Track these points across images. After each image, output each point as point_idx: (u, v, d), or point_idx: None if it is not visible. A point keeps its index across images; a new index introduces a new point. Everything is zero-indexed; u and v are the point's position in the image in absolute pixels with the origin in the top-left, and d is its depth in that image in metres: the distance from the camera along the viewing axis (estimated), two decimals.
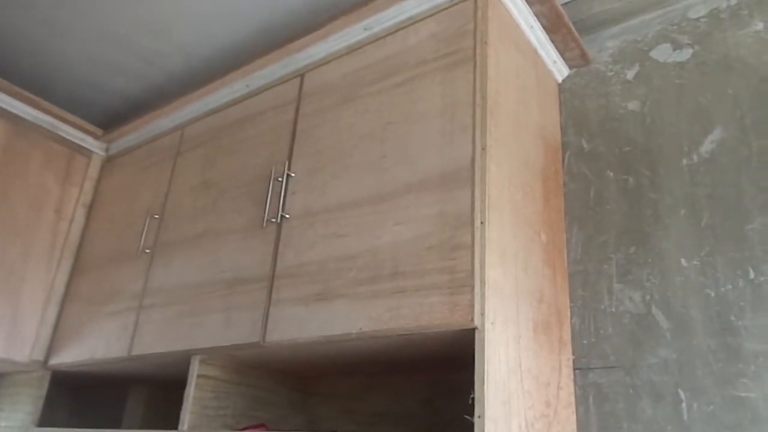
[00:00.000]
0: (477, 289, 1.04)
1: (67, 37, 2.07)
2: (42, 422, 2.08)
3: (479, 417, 0.97)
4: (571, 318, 1.39)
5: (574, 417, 1.30)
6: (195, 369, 1.48)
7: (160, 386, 2.17)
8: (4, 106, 2.05)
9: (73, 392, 2.38)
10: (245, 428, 1.51)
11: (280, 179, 1.50)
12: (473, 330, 1.03)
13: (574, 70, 1.66)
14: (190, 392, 1.45)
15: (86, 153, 2.26)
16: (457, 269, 1.07)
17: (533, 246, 1.28)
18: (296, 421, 1.69)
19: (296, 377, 1.73)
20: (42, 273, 2.04)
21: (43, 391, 1.95)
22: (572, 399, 1.31)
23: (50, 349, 1.98)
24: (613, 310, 1.35)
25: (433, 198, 1.18)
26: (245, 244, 1.51)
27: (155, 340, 1.61)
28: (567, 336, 1.36)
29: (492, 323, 1.05)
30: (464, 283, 1.05)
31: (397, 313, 1.12)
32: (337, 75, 1.53)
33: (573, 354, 1.36)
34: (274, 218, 1.46)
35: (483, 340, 1.02)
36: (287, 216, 1.44)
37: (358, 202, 1.31)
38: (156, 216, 1.85)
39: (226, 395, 1.53)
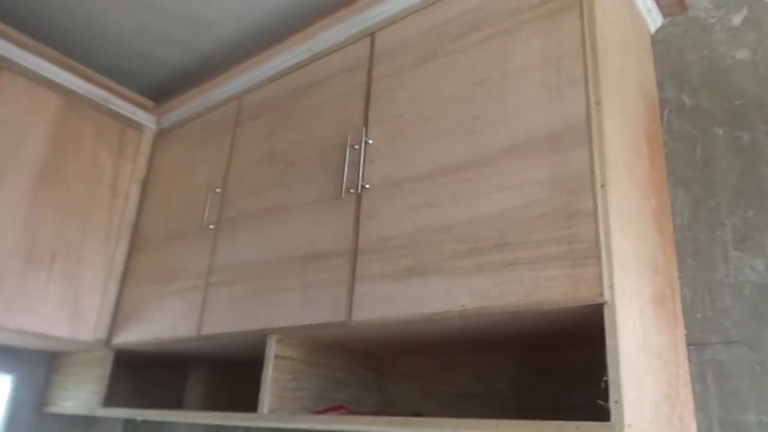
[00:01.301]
0: (604, 260, 0.93)
1: (115, 6, 1.98)
2: (107, 402, 2.05)
3: (616, 402, 0.87)
4: (681, 289, 1.28)
5: (691, 396, 1.19)
6: (272, 349, 1.40)
7: (222, 366, 2.12)
8: (57, 80, 1.98)
9: (133, 371, 2.36)
10: (325, 410, 1.44)
11: (356, 147, 1.40)
12: (601, 305, 0.93)
13: (668, 19, 1.51)
14: (269, 373, 1.38)
15: (138, 127, 2.19)
16: (578, 238, 0.96)
17: (645, 211, 1.16)
18: (372, 402, 1.61)
19: (370, 356, 1.65)
20: (100, 251, 1.98)
21: (107, 371, 1.91)
22: (688, 377, 1.20)
23: (113, 328, 1.94)
24: (732, 280, 1.23)
25: (542, 161, 1.06)
26: (320, 217, 1.42)
27: (226, 318, 1.54)
28: (679, 309, 1.24)
29: (621, 297, 0.94)
30: (588, 253, 0.94)
31: (507, 289, 1.02)
32: (414, 32, 1.41)
33: (685, 329, 1.25)
34: (353, 189, 1.36)
35: (614, 316, 0.91)
36: (367, 186, 1.34)
37: (450, 169, 1.20)
38: (218, 190, 1.77)
39: (304, 376, 1.46)
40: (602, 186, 0.99)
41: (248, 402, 1.95)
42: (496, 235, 1.07)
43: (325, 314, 1.30)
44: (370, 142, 1.38)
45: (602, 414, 0.90)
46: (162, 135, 2.19)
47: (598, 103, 1.04)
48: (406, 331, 1.28)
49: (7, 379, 2.11)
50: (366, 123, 1.42)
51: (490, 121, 1.17)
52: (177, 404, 2.21)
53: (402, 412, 1.55)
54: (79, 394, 1.99)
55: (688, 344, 1.24)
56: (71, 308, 1.87)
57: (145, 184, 2.14)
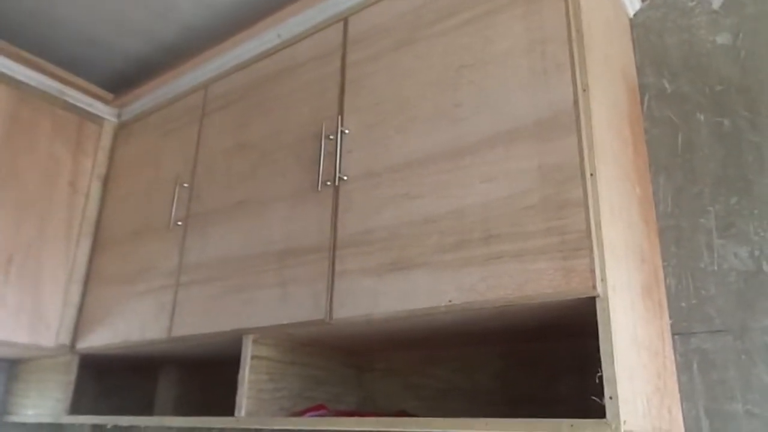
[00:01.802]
0: (595, 252, 0.90)
1: None
2: (73, 409, 1.96)
3: (611, 398, 0.84)
4: (665, 279, 1.26)
5: (677, 386, 1.17)
6: (248, 350, 1.34)
7: (193, 366, 2.05)
8: (7, 71, 1.86)
9: (99, 375, 2.26)
10: (304, 410, 1.39)
11: (332, 137, 1.34)
12: (593, 299, 0.90)
13: (647, 2, 1.49)
14: (245, 375, 1.32)
15: (97, 120, 2.08)
16: (568, 229, 0.93)
17: (632, 199, 1.14)
18: (352, 399, 1.57)
19: (350, 353, 1.60)
20: (61, 252, 1.88)
21: (72, 377, 1.82)
22: (674, 368, 1.19)
23: (77, 332, 1.85)
24: (716, 268, 1.22)
25: (529, 149, 1.02)
26: (296, 211, 1.36)
27: (198, 319, 1.47)
28: (664, 299, 1.22)
29: (613, 289, 0.91)
30: (579, 245, 0.91)
31: (495, 282, 0.98)
32: (389, 16, 1.36)
33: (670, 318, 1.23)
34: (329, 181, 1.31)
35: (607, 309, 0.88)
36: (345, 178, 1.28)
37: (432, 159, 1.15)
38: (185, 185, 1.69)
39: (281, 376, 1.40)
40: (592, 175, 0.95)
41: (222, 403, 1.88)
42: (482, 228, 1.03)
43: (303, 312, 1.25)
44: (347, 131, 1.33)
45: (592, 406, 0.88)
46: (123, 128, 2.09)
47: (585, 90, 1.01)
48: (389, 328, 1.23)
49: None
50: (341, 112, 1.36)
51: (472, 109, 1.13)
52: (147, 408, 2.13)
53: (384, 408, 1.51)
54: (43, 402, 1.89)
55: (673, 334, 1.22)
56: (31, 313, 1.77)
57: (107, 180, 2.04)
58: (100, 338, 1.74)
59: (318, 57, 1.48)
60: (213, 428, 1.88)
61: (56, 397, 1.84)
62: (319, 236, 1.28)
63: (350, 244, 1.22)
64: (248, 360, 1.34)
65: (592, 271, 0.89)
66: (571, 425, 0.85)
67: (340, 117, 1.35)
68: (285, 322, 1.27)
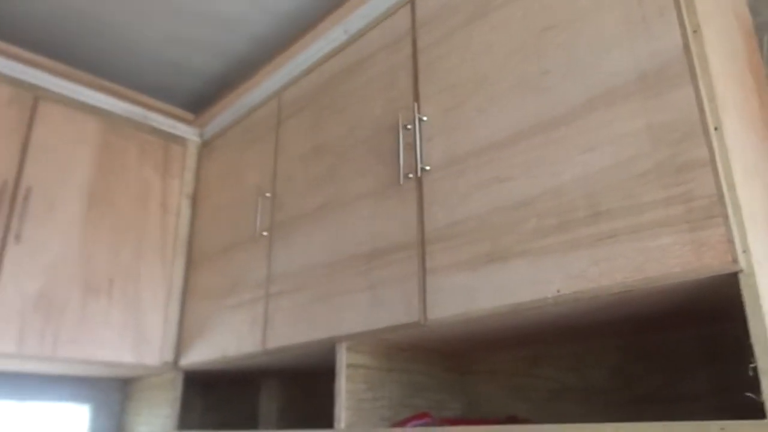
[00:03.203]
0: (732, 218, 0.75)
1: (140, 18, 1.91)
2: (181, 425, 1.99)
3: None
4: None
5: None
6: (343, 358, 1.28)
7: (294, 378, 2.03)
8: (94, 103, 1.93)
9: (205, 390, 2.30)
10: (407, 420, 1.31)
11: (409, 126, 1.26)
12: (735, 275, 0.75)
13: None
14: (342, 385, 1.26)
15: (180, 141, 2.13)
16: (694, 195, 0.79)
17: (764, 156, 0.97)
18: (456, 405, 1.47)
19: (450, 355, 1.50)
20: (158, 271, 1.93)
21: (178, 393, 1.85)
22: None
23: (179, 349, 1.88)
24: None
25: (634, 109, 0.89)
26: (380, 208, 1.28)
27: (291, 330, 1.43)
28: None
29: (758, 262, 0.76)
30: (711, 212, 0.77)
31: (610, 265, 0.85)
32: None
33: None
34: (411, 173, 1.22)
35: (755, 285, 0.73)
36: (427, 168, 1.19)
37: (521, 135, 1.04)
38: (268, 194, 1.67)
39: (380, 384, 1.33)
40: (716, 129, 0.81)
41: (325, 414, 1.85)
42: (587, 204, 0.91)
43: (396, 315, 1.17)
44: (425, 118, 1.24)
45: (736, 404, 0.73)
46: (206, 146, 2.12)
47: (696, 31, 0.86)
48: (490, 327, 1.12)
49: (85, 409, 2.09)
50: (417, 99, 1.27)
51: (562, 74, 1.00)
52: (251, 421, 2.13)
53: (490, 414, 1.40)
54: (153, 419, 1.94)
55: None
56: (135, 333, 1.82)
57: (195, 198, 2.07)
58: (200, 354, 1.75)
59: (387, 46, 1.41)
60: None
61: (164, 413, 1.87)
62: (405, 233, 1.20)
63: (439, 238, 1.13)
64: (344, 369, 1.28)
65: (730, 241, 0.74)
66: (722, 428, 0.71)
67: (416, 105, 1.26)
68: (377, 327, 1.20)
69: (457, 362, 1.52)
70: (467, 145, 1.13)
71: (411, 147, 1.24)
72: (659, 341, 1.17)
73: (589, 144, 0.93)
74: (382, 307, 1.20)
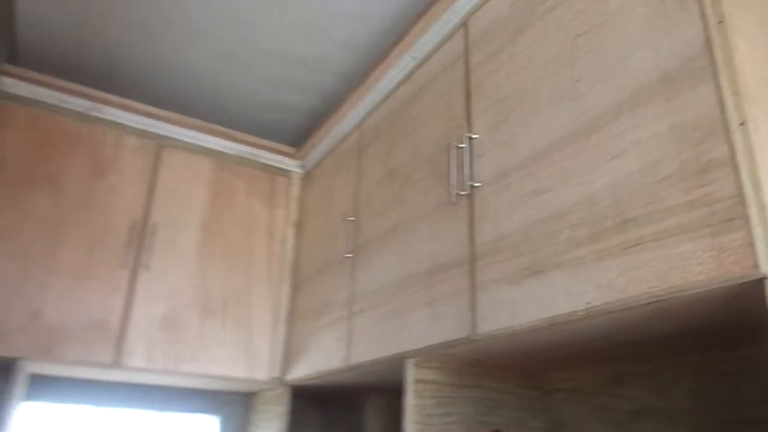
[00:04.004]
0: (755, 220, 0.69)
1: (242, 67, 2.14)
2: None
3: None
4: None
5: None
6: (411, 373, 1.32)
7: (397, 394, 2.09)
8: (208, 146, 2.18)
9: (317, 406, 2.44)
10: None
11: (461, 145, 1.28)
12: (761, 281, 0.69)
13: None
14: (410, 400, 1.30)
15: (285, 174, 2.32)
16: (715, 197, 0.74)
17: None
18: (537, 424, 1.43)
19: (528, 373, 1.47)
20: (266, 294, 2.10)
21: (286, 407, 1.99)
22: None
23: (285, 366, 2.03)
24: None
25: (657, 110, 0.85)
26: (437, 226, 1.32)
27: (368, 346, 1.50)
28: None
29: None
30: (731, 215, 0.71)
31: (636, 275, 0.82)
32: (504, 6, 1.27)
33: None
34: (462, 191, 1.25)
35: None
36: (477, 184, 1.21)
37: (557, 146, 1.02)
38: (351, 219, 1.77)
39: (449, 400, 1.34)
40: (741, 124, 0.75)
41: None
42: (615, 212, 0.87)
43: (450, 331, 1.19)
44: (475, 136, 1.26)
45: None
46: (308, 177, 2.28)
47: (721, 21, 0.80)
48: (542, 341, 1.10)
49: (215, 420, 2.32)
50: (469, 117, 1.30)
51: (592, 80, 0.98)
52: None
53: None
54: (268, 431, 2.10)
55: None
56: (246, 350, 2.00)
57: (299, 226, 2.24)
58: (301, 370, 1.88)
59: (445, 68, 1.45)
60: None
61: (276, 426, 2.03)
62: (458, 249, 1.22)
63: (487, 253, 1.14)
64: (412, 384, 1.31)
65: (752, 245, 0.68)
66: None
67: (467, 123, 1.29)
68: (435, 342, 1.23)
69: (538, 380, 1.48)
70: (512, 159, 1.13)
71: (464, 165, 1.26)
72: (737, 359, 1.06)
73: (617, 150, 0.90)
74: (439, 322, 1.23)
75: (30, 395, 1.98)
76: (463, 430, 1.33)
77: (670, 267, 0.77)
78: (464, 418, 1.35)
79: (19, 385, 1.67)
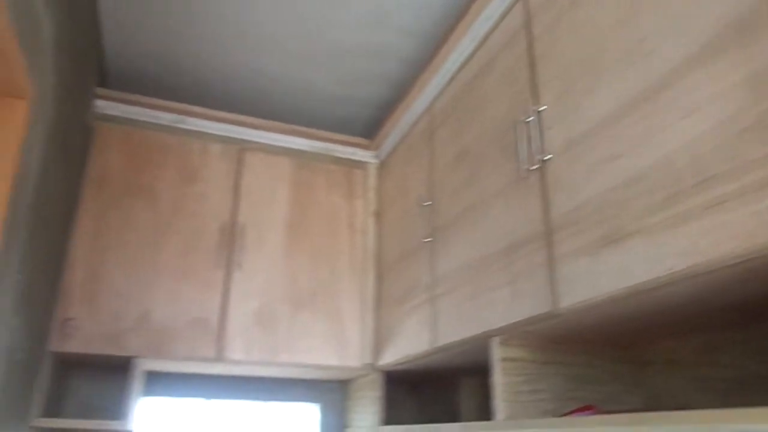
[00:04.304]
0: None
1: (311, 66, 2.20)
2: (388, 421, 2.19)
3: None
4: None
5: None
6: (497, 352, 1.32)
7: (488, 374, 2.09)
8: (287, 145, 2.27)
9: (412, 389, 2.49)
10: (570, 413, 1.29)
11: (528, 119, 1.26)
12: None
13: None
14: (497, 378, 1.30)
15: (361, 165, 2.36)
16: None
17: None
18: (632, 399, 1.39)
19: (619, 346, 1.43)
20: (352, 284, 2.17)
21: (379, 392, 2.05)
22: None
23: (376, 352, 2.08)
24: None
25: (730, 60, 0.80)
26: (511, 203, 1.31)
27: (453, 328, 1.51)
28: None
29: None
30: None
31: (719, 236, 0.78)
32: None
33: None
34: (533, 165, 1.23)
35: None
36: (548, 157, 1.19)
37: (627, 108, 0.99)
38: (427, 203, 1.79)
39: (538, 377, 1.33)
40: None
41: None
42: (693, 171, 0.84)
43: (532, 307, 1.18)
44: (542, 108, 1.23)
45: None
46: (383, 166, 2.32)
47: None
48: (623, 313, 1.07)
49: (316, 407, 2.43)
50: (535, 90, 1.27)
51: (658, 37, 0.94)
52: (454, 418, 2.24)
53: (667, 408, 1.30)
54: (366, 416, 2.17)
55: None
56: (337, 339, 2.07)
57: (378, 215, 2.28)
58: (391, 355, 1.93)
59: (506, 43, 1.43)
60: None
61: (372, 410, 2.09)
62: (534, 224, 1.21)
63: (563, 225, 1.12)
64: (498, 362, 1.32)
65: None
66: None
67: (535, 96, 1.27)
68: (518, 319, 1.22)
69: (631, 352, 1.44)
70: (582, 127, 1.10)
71: (532, 138, 1.24)
72: None
73: (690, 106, 0.85)
74: (520, 299, 1.22)
75: (147, 391, 2.16)
76: (553, 407, 1.32)
77: (756, 224, 0.73)
78: (554, 395, 1.33)
79: (137, 382, 1.82)
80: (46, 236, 1.58)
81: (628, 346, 1.43)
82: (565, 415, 1.29)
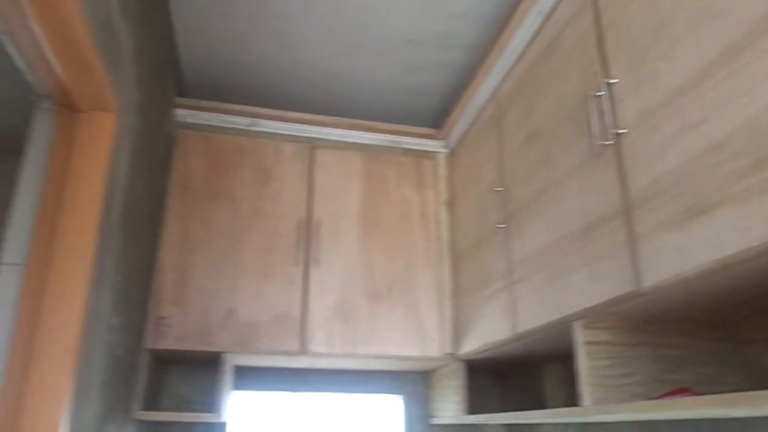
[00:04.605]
0: None
1: (376, 59, 2.21)
2: (473, 410, 2.18)
3: None
4: None
5: None
6: (580, 336, 1.29)
7: (573, 359, 2.03)
8: (357, 140, 2.30)
9: (496, 378, 2.46)
10: (663, 396, 1.23)
11: (600, 93, 1.22)
12: None
13: None
14: (582, 362, 1.26)
15: (430, 156, 2.36)
16: None
17: None
18: (732, 380, 1.31)
19: (716, 324, 1.35)
20: (428, 274, 2.17)
21: (461, 381, 2.04)
22: None
23: (456, 341, 2.08)
24: None
25: None
26: (586, 181, 1.26)
27: (533, 313, 1.48)
28: None
29: None
30: None
31: None
32: None
33: None
34: (607, 140, 1.18)
35: None
36: (623, 131, 1.14)
37: (705, 73, 0.93)
38: (499, 189, 1.76)
39: (626, 360, 1.28)
40: None
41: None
42: None
43: (613, 287, 1.14)
44: (614, 81, 1.18)
45: None
46: (452, 155, 2.31)
47: None
48: (716, 288, 1.01)
49: (399, 399, 2.45)
50: (605, 62, 1.22)
51: None
52: (541, 405, 2.20)
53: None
54: (449, 405, 2.17)
55: None
56: (416, 330, 2.08)
57: (451, 204, 2.27)
58: (471, 344, 1.92)
59: (573, 17, 1.38)
60: (570, 423, 1.82)
61: (455, 399, 2.08)
62: (611, 201, 1.16)
63: (643, 200, 1.07)
64: (582, 346, 1.28)
65: None
66: None
67: (603, 69, 1.22)
68: (600, 301, 1.18)
69: (730, 331, 1.35)
70: (657, 96, 1.05)
71: (605, 113, 1.19)
72: None
73: None
74: (601, 280, 1.18)
75: (237, 385, 2.26)
76: (645, 390, 1.27)
77: None
78: (646, 378, 1.28)
79: (227, 376, 1.91)
80: (137, 241, 1.68)
81: (724, 324, 1.35)
82: (656, 398, 1.23)
